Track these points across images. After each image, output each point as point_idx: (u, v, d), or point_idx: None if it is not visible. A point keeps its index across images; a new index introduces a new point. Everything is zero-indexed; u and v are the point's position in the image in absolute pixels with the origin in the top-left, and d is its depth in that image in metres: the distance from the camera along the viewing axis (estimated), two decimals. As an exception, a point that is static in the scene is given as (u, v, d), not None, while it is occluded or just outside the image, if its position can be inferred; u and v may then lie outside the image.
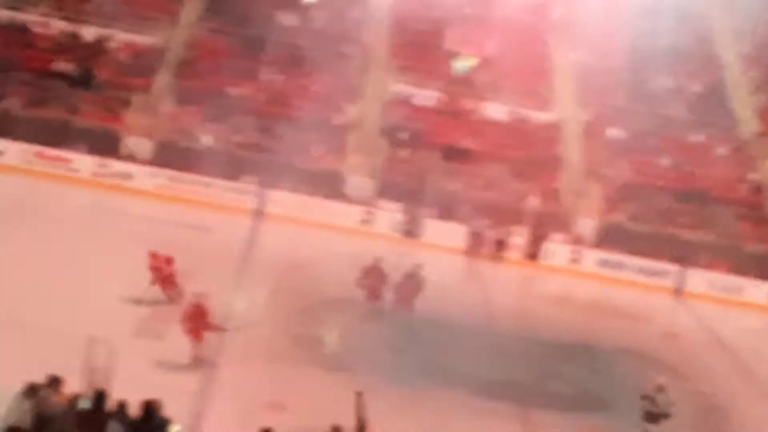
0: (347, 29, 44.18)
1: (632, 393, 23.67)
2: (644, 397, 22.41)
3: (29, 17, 41.86)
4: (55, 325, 21.92)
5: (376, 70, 43.60)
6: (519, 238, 37.70)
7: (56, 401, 15.16)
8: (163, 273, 25.99)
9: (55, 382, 15.47)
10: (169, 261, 26.09)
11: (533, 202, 38.92)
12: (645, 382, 24.05)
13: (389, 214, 37.47)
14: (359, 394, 16.84)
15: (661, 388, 22.27)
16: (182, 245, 29.75)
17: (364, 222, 37.00)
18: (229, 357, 22.90)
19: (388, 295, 28.32)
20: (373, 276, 28.34)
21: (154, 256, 26.01)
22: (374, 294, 28.28)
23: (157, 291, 25.68)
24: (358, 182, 38.43)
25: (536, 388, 25.05)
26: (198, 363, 22.18)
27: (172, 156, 37.55)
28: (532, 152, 41.25)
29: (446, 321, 28.63)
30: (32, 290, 24.34)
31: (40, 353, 19.62)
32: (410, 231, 37.31)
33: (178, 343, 22.66)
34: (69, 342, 18.19)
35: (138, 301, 25.24)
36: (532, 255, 37.84)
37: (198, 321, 22.21)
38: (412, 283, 28.45)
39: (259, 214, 35.79)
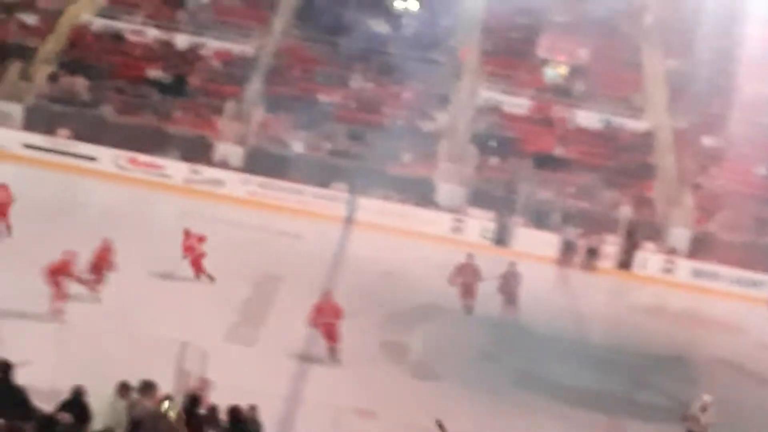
0: (438, 36, 44.04)
1: (726, 405, 23.16)
2: (687, 418, 21.85)
3: (124, 25, 42.45)
4: (147, 331, 22.07)
5: (466, 77, 43.42)
6: (611, 247, 37.20)
7: (149, 405, 15.22)
8: (195, 252, 26.63)
9: (148, 386, 15.52)
10: (201, 239, 26.80)
11: (626, 211, 38.38)
12: (739, 393, 23.57)
13: (480, 222, 37.23)
14: (440, 425, 16.59)
15: (705, 407, 21.68)
16: (273, 252, 29.89)
17: (455, 230, 36.79)
18: (319, 362, 22.91)
19: (492, 300, 28.34)
20: (466, 272, 28.41)
21: (187, 234, 26.84)
22: (468, 291, 28.30)
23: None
24: (448, 190, 38.25)
25: (627, 398, 24.66)
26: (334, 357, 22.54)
27: (263, 163, 37.75)
28: (624, 160, 40.74)
29: (537, 329, 28.33)
30: (123, 296, 24.54)
31: (135, 358, 19.79)
32: (501, 239, 37.02)
33: (268, 347, 22.74)
34: (161, 347, 18.29)
35: (228, 307, 25.32)
36: (625, 264, 37.32)
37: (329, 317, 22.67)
38: (513, 279, 28.71)
39: (349, 221, 35.80)
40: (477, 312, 28.36)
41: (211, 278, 26.53)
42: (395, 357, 24.82)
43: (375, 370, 23.48)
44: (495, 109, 42.11)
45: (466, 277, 28.48)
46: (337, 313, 23.06)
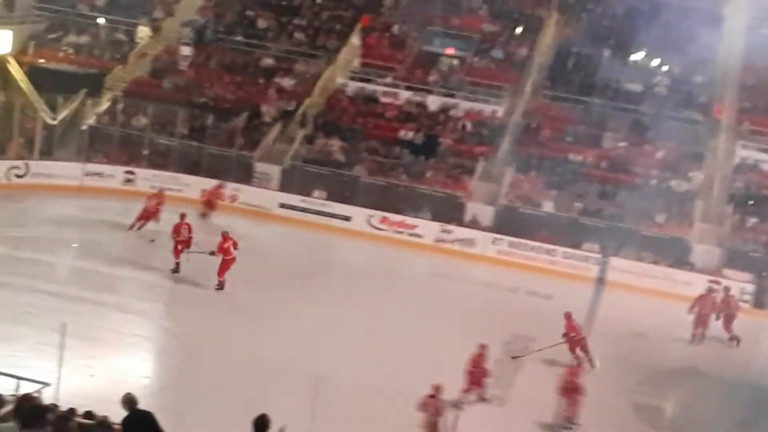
0: (692, 94, 43.06)
1: None
2: None
3: (377, 88, 43.41)
4: (395, 387, 22.20)
5: (722, 135, 42.18)
6: None
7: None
8: (229, 254, 28.62)
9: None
10: (236, 245, 28.76)
11: None
12: None
13: (737, 284, 35.84)
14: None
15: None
16: (523, 311, 29.68)
17: (711, 292, 35.53)
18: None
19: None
20: (703, 303, 27.74)
21: (225, 237, 28.80)
22: (701, 321, 27.73)
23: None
24: (704, 251, 37.10)
25: None
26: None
27: (514, 222, 37.66)
28: None
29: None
30: (374, 352, 24.84)
31: (380, 415, 19.97)
32: (760, 301, 35.56)
33: (516, 409, 22.50)
34: (408, 404, 18.31)
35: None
36: None
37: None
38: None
39: (600, 281, 35.16)
40: (735, 377, 27.25)
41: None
42: (649, 421, 24.11)
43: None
44: (753, 168, 40.68)
45: (703, 308, 27.89)
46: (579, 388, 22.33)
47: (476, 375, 22.64)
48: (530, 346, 26.69)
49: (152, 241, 32.53)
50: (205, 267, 29.56)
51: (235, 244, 28.90)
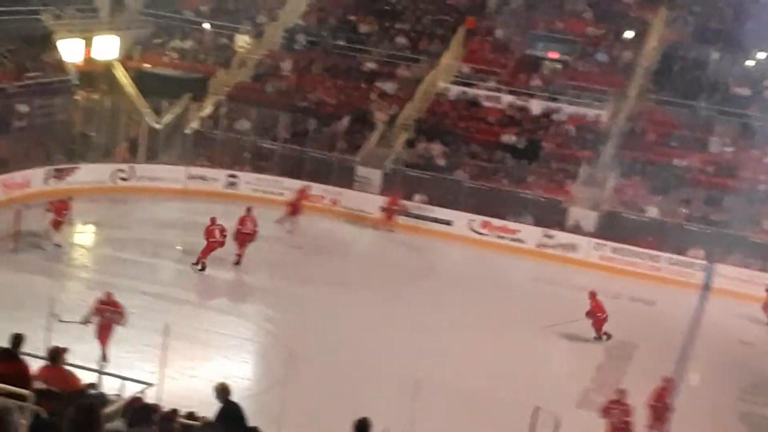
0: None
1: None
2: None
3: (480, 92, 43.18)
4: (499, 395, 22.04)
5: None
6: None
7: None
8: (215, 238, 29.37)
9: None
10: (223, 231, 29.46)
11: None
12: None
13: None
14: None
15: None
16: (625, 318, 29.24)
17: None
18: (673, 429, 22.09)
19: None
20: None
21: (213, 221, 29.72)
22: None
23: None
24: (815, 259, 36.17)
25: None
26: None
27: (617, 228, 37.15)
28: None
29: None
30: (476, 357, 24.71)
31: (480, 421, 19.81)
32: None
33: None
34: (514, 412, 18.10)
35: (581, 374, 24.95)
36: None
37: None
38: None
39: (706, 288, 34.43)
40: None
41: None
42: (756, 429, 23.58)
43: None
44: None
45: None
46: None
47: (659, 410, 21.51)
48: (633, 354, 26.30)
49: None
50: (306, 271, 29.74)
51: (222, 230, 29.52)
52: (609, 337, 27.58)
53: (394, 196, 37.61)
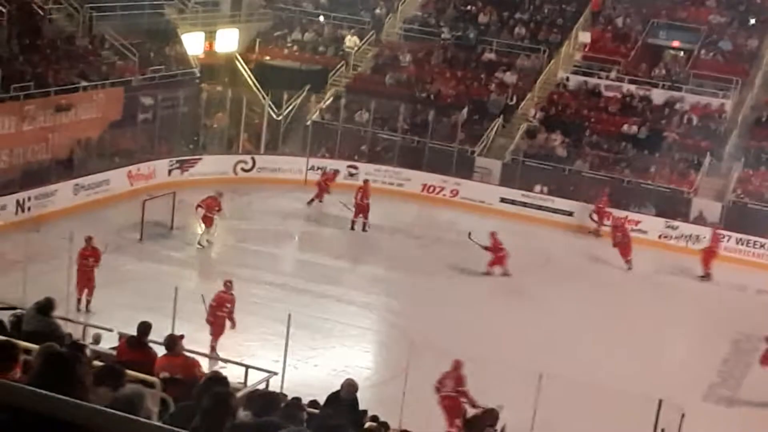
0: None
1: None
2: None
3: (601, 81, 42.69)
4: (624, 387, 21.77)
5: None
6: None
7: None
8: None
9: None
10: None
11: None
12: None
13: None
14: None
15: None
16: (750, 310, 28.71)
17: None
18: None
19: None
20: None
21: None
22: None
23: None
24: None
25: None
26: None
27: (742, 218, 36.38)
28: None
29: None
30: (598, 349, 24.50)
31: (602, 414, 19.63)
32: None
33: (746, 410, 21.76)
34: (639, 406, 17.88)
35: (706, 366, 24.56)
36: None
37: None
38: None
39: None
40: None
41: None
42: None
43: None
44: None
45: None
46: None
47: None
48: (760, 347, 25.74)
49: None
50: (427, 261, 29.81)
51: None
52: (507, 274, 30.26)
53: (331, 173, 37.31)
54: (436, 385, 19.30)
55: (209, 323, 22.09)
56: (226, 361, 18.87)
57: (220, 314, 22.23)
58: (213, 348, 21.83)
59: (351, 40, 45.39)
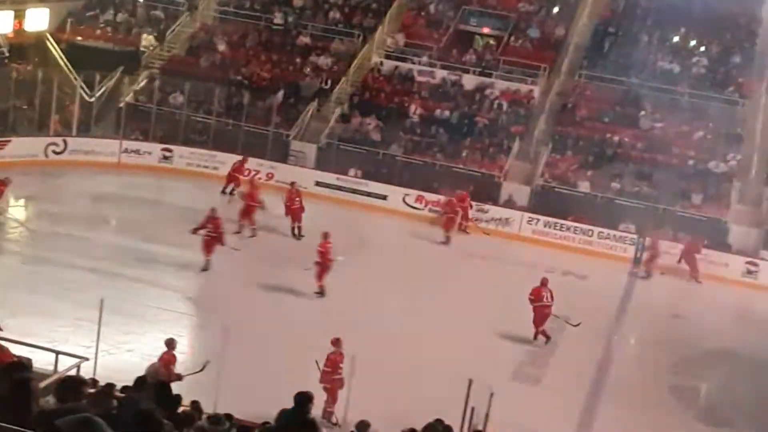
0: (730, 74, 42.68)
1: None
2: None
3: (414, 67, 43.33)
4: (433, 367, 22.27)
5: (761, 115, 41.78)
6: None
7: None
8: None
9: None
10: None
11: None
12: None
13: (775, 265, 35.60)
14: None
15: None
16: (558, 292, 29.60)
17: (748, 274, 35.29)
18: (605, 402, 22.59)
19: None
20: None
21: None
22: None
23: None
24: (741, 232, 36.80)
25: None
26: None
27: (549, 202, 37.55)
28: None
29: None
30: (410, 330, 24.98)
31: (424, 395, 20.08)
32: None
33: (552, 387, 22.51)
34: (450, 385, 18.33)
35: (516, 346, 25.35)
36: None
37: None
38: None
39: (637, 262, 35.06)
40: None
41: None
42: (685, 402, 24.11)
43: (664, 415, 22.84)
44: (792, 149, 40.32)
45: None
46: None
47: None
48: (566, 327, 26.62)
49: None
50: (242, 245, 29.79)
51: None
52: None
53: (240, 163, 37.40)
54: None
55: (325, 390, 20.02)
56: (35, 347, 18.48)
57: (336, 378, 20.09)
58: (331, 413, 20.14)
59: (147, 39, 44.61)
